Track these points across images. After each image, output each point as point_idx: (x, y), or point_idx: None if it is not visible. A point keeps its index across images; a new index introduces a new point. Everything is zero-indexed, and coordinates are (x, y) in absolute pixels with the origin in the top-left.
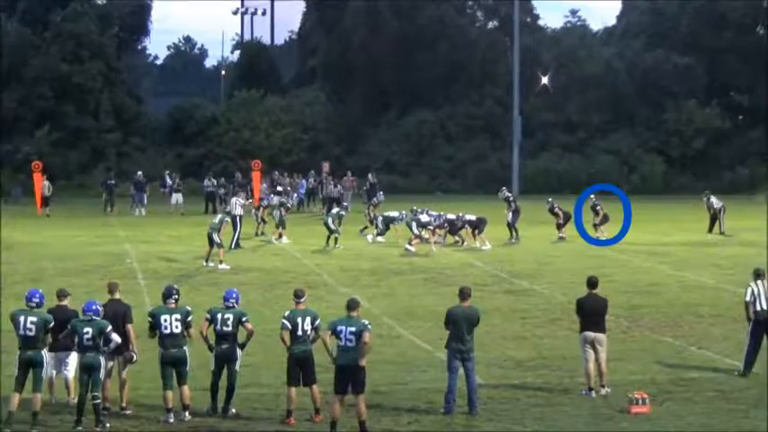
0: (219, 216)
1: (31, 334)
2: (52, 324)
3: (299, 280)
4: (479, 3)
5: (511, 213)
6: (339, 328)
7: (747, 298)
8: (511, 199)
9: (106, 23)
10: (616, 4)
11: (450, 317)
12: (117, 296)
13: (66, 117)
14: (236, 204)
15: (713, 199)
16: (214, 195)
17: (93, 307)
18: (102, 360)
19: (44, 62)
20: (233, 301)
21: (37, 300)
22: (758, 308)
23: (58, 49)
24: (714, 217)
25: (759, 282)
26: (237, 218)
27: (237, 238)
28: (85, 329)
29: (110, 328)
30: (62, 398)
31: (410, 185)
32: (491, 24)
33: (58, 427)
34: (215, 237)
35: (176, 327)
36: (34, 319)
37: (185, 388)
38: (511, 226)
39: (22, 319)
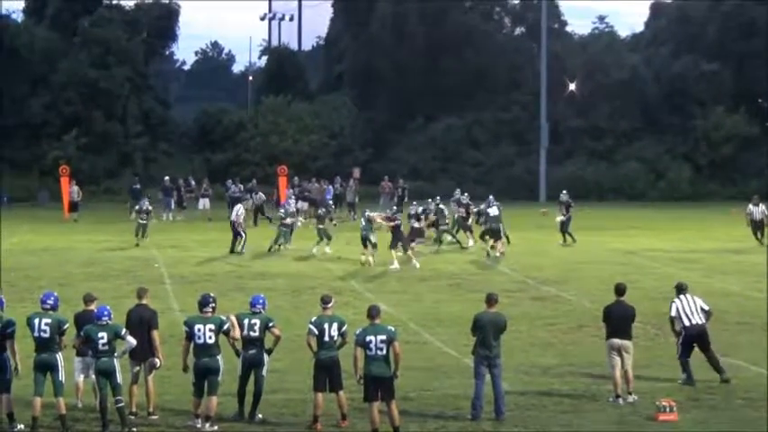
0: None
1: (46, 336)
2: (67, 326)
3: (326, 286)
4: (506, 9)
5: (563, 218)
6: (368, 338)
7: (673, 313)
8: (570, 204)
9: (134, 29)
10: (644, 10)
11: (476, 323)
12: (144, 301)
13: (94, 122)
14: (238, 211)
15: (762, 207)
16: (240, 200)
17: (105, 312)
18: (117, 364)
19: (72, 67)
20: (260, 306)
21: (51, 302)
22: (687, 323)
23: (85, 54)
24: (760, 224)
25: (683, 296)
26: (237, 224)
27: (242, 244)
28: (100, 334)
29: (124, 330)
30: (89, 402)
31: (436, 191)
32: (518, 30)
33: (86, 431)
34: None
35: (210, 337)
36: (48, 321)
37: (213, 398)
38: (563, 230)
39: (36, 321)
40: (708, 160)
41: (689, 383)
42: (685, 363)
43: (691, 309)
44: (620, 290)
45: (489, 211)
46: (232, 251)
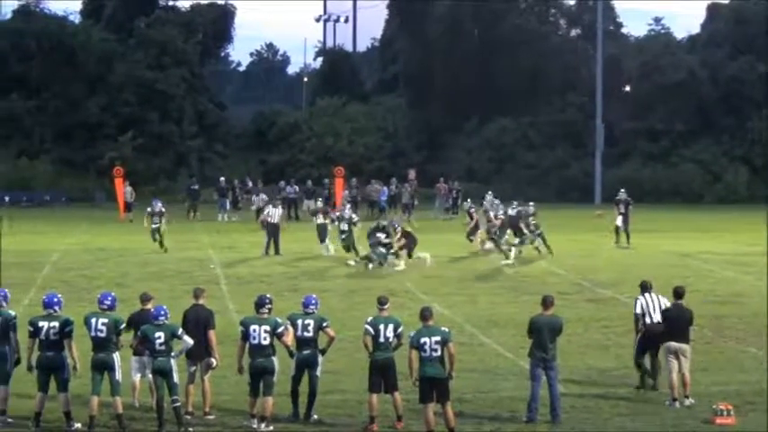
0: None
1: (102, 335)
2: (123, 326)
3: (380, 287)
4: (562, 10)
5: (621, 217)
6: (422, 340)
7: (637, 310)
8: (629, 203)
9: (190, 30)
10: (700, 11)
11: (532, 325)
12: (201, 302)
13: (150, 123)
14: (276, 213)
15: None
16: (295, 201)
17: (162, 312)
18: (174, 364)
19: (128, 69)
20: (313, 307)
21: (108, 302)
22: (648, 320)
23: (142, 55)
24: None
25: (647, 294)
26: (273, 225)
27: (276, 246)
28: (157, 334)
29: (181, 330)
30: (146, 401)
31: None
32: (573, 32)
33: (142, 430)
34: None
35: (265, 338)
36: (105, 320)
37: (269, 399)
38: (621, 230)
39: (93, 321)
40: (764, 162)
41: (642, 387)
42: (641, 364)
43: (654, 307)
44: (678, 293)
45: (509, 211)
46: (277, 252)
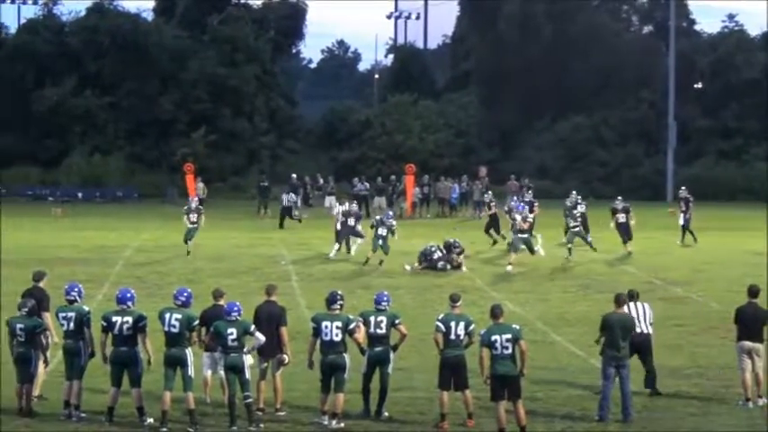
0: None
1: (176, 331)
2: (196, 323)
3: (452, 284)
4: (634, 7)
5: (682, 215)
6: (494, 338)
7: None
8: (690, 201)
9: (262, 27)
10: None
11: (605, 323)
12: (273, 298)
13: (222, 120)
14: (336, 209)
15: None
16: (366, 198)
17: (235, 308)
18: (246, 360)
19: (201, 65)
20: (385, 303)
21: (183, 298)
22: (636, 330)
23: (214, 52)
24: None
25: (632, 304)
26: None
27: (347, 244)
28: (229, 330)
29: (253, 327)
30: (217, 397)
31: (563, 191)
32: (646, 29)
33: (214, 426)
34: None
35: (336, 335)
36: (179, 316)
37: (340, 396)
38: (685, 228)
39: (167, 316)
40: None
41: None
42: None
43: (639, 317)
44: (753, 291)
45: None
46: (348, 251)
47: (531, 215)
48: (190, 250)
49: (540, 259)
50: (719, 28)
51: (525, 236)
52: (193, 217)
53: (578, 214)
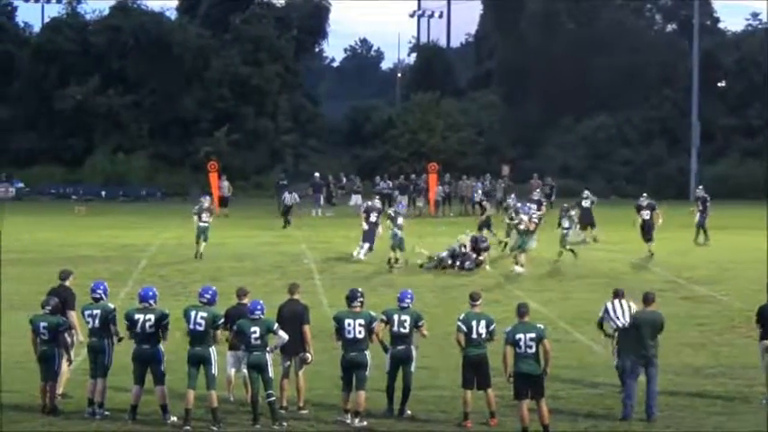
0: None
1: (200, 329)
2: (221, 321)
3: (475, 283)
4: (658, 5)
5: (699, 214)
6: (518, 336)
7: (601, 313)
8: (707, 200)
9: (285, 26)
10: None
11: (633, 322)
12: (296, 297)
13: (245, 118)
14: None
15: None
16: (390, 196)
17: (258, 306)
18: (269, 358)
19: (224, 64)
20: (408, 301)
21: (208, 296)
22: (619, 324)
23: (237, 51)
24: None
25: (616, 301)
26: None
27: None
28: (253, 328)
29: (276, 325)
30: (241, 395)
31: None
32: (670, 27)
33: (236, 425)
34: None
35: (359, 332)
36: (204, 314)
37: (361, 393)
38: (701, 227)
39: (192, 314)
40: None
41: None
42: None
43: (623, 312)
44: None
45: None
46: (371, 249)
47: (538, 213)
48: (202, 252)
49: (564, 258)
50: (743, 26)
51: (533, 236)
52: (205, 216)
53: (575, 214)
